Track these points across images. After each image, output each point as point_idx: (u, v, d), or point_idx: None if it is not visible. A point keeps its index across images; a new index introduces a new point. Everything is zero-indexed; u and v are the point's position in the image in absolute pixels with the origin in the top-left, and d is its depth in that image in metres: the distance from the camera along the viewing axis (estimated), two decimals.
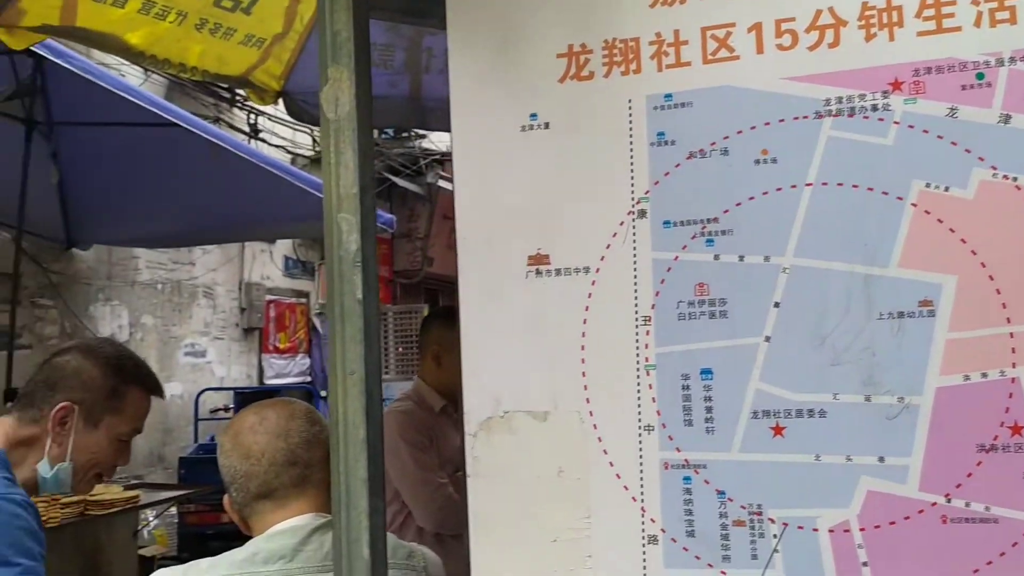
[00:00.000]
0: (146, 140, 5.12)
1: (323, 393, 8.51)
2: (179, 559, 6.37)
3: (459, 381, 2.62)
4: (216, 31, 2.86)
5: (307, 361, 9.30)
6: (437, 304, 12.10)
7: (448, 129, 3.35)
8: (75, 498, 4.35)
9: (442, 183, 11.04)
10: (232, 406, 7.75)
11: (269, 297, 8.72)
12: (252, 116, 8.33)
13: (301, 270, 9.38)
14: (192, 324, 7.76)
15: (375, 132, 10.35)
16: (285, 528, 1.32)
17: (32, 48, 4.15)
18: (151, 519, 6.32)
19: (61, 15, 2.50)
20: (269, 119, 8.53)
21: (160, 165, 5.40)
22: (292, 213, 5.76)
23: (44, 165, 5.53)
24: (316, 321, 9.39)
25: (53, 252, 6.34)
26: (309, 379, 9.20)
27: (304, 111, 3.35)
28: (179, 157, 5.25)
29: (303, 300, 9.39)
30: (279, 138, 8.70)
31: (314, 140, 9.47)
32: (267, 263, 8.81)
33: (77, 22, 2.54)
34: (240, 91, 8.07)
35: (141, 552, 5.59)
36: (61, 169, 5.49)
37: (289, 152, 8.95)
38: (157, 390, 1.77)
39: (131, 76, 6.23)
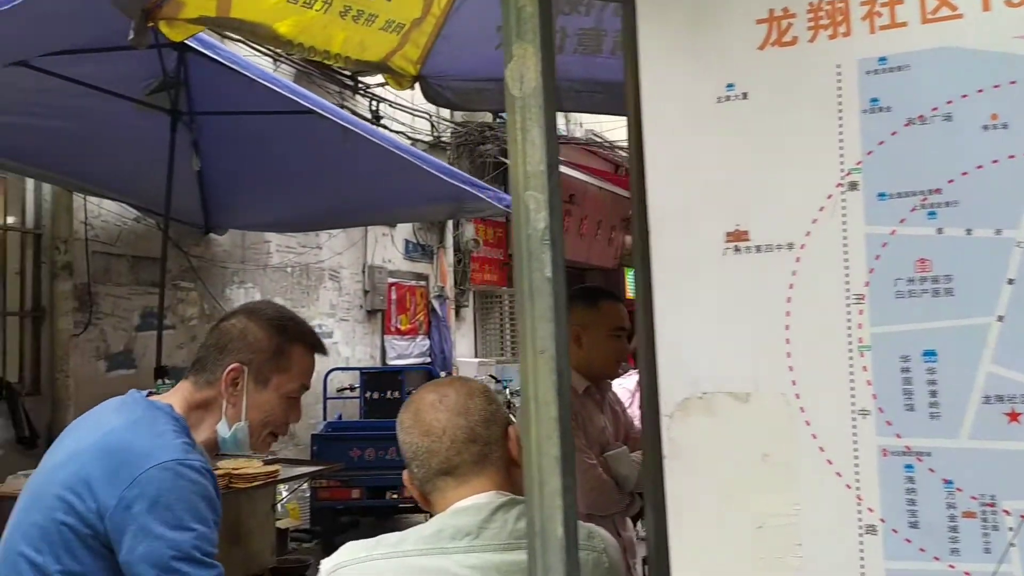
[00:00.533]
0: (280, 127, 5.29)
1: (443, 374, 8.65)
2: (311, 532, 6.62)
3: (601, 362, 2.61)
4: (359, 18, 2.91)
5: (426, 342, 9.47)
6: None
7: (582, 109, 3.31)
8: (220, 471, 4.56)
9: (560, 167, 11.01)
10: (358, 385, 7.98)
11: (391, 280, 8.91)
12: (374, 103, 8.51)
13: (420, 253, 9.54)
14: (319, 306, 8.01)
15: (491, 116, 10.43)
16: (469, 505, 1.32)
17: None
18: (284, 493, 6.59)
19: (217, 6, 2.58)
20: (390, 106, 8.69)
21: (292, 152, 5.58)
22: (419, 196, 5.86)
23: (186, 154, 5.81)
24: (435, 303, 9.55)
25: (193, 237, 6.65)
26: (429, 360, 9.38)
27: (440, 94, 3.38)
28: (311, 143, 5.41)
29: (422, 283, 9.56)
30: (399, 123, 8.85)
31: (432, 126, 9.59)
32: (388, 246, 9.00)
33: (231, 13, 2.62)
34: (362, 79, 8.25)
35: (276, 524, 5.85)
36: (201, 157, 5.74)
37: (408, 138, 9.09)
38: (319, 347, 1.81)
39: (262, 66, 6.44)
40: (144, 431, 1.57)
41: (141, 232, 6.27)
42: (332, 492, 6.24)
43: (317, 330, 6.88)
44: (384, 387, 7.43)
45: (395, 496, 6.47)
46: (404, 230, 9.28)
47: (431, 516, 1.42)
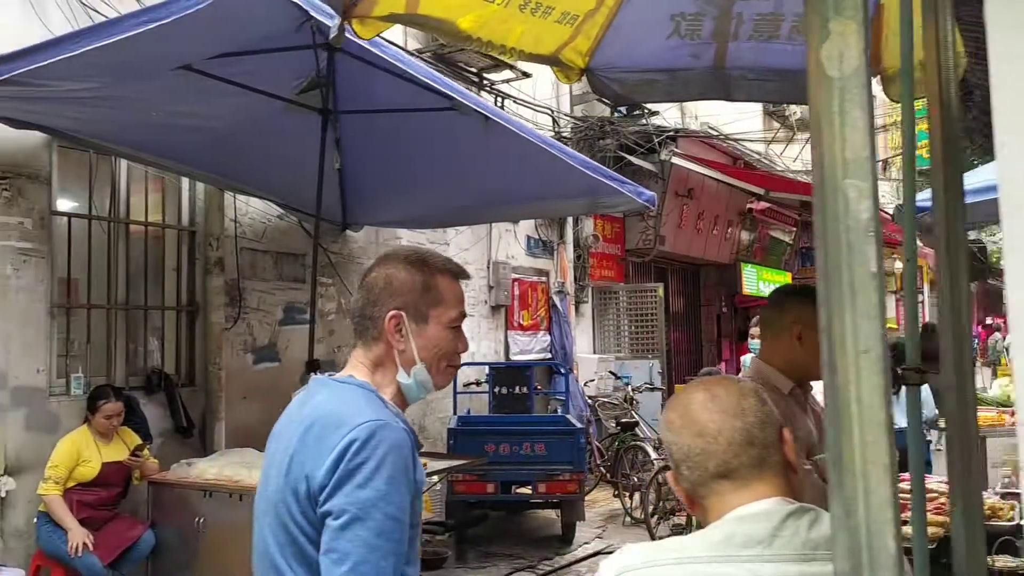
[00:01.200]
0: (420, 124, 5.34)
1: (561, 370, 8.62)
2: (443, 524, 6.69)
3: (818, 363, 2.52)
4: (536, 10, 2.89)
5: (547, 338, 9.46)
6: (666, 283, 11.91)
7: (752, 98, 3.17)
8: None
9: (676, 160, 10.84)
10: (484, 380, 8.03)
11: (514, 276, 8.94)
12: (498, 99, 8.54)
13: (541, 249, 9.54)
14: None
15: (610, 110, 10.33)
16: (757, 512, 1.27)
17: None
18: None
19: (406, 3, 2.60)
20: (514, 101, 8.71)
21: (431, 148, 5.63)
22: (556, 191, 5.83)
23: (328, 152, 5.95)
24: (556, 299, 9.53)
25: (332, 234, 6.82)
26: (550, 356, 9.37)
27: (607, 87, 3.33)
28: (450, 139, 5.45)
29: (543, 279, 9.56)
30: (521, 119, 8.84)
31: (554, 121, 9.57)
32: (511, 243, 9.03)
33: (419, 9, 2.65)
34: (487, 75, 8.28)
35: None
36: (342, 155, 5.87)
37: None
38: (462, 273, 1.78)
39: None
40: (338, 402, 1.58)
41: (284, 229, 6.46)
42: (468, 486, 6.30)
43: None
44: (512, 382, 7.46)
45: (529, 490, 6.49)
46: (526, 226, 9.29)
47: (695, 520, 1.37)
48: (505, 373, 7.51)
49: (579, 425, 6.80)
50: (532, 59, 3.15)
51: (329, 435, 1.51)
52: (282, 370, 6.35)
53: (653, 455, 7.53)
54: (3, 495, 4.61)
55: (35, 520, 4.59)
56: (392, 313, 1.63)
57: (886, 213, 13.95)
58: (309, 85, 5.15)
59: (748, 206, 13.38)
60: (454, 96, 4.40)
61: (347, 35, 2.64)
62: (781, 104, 15.79)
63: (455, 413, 7.57)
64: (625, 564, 1.28)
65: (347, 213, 6.59)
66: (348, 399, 1.58)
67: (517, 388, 7.43)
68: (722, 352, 13.85)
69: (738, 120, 12.24)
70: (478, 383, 8.06)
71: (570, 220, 9.84)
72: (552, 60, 3.20)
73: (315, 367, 5.14)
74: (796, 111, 17.33)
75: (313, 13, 3.43)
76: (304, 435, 1.55)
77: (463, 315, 1.74)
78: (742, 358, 6.33)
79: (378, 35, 2.81)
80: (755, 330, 5.94)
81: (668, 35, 3.14)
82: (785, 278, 15.71)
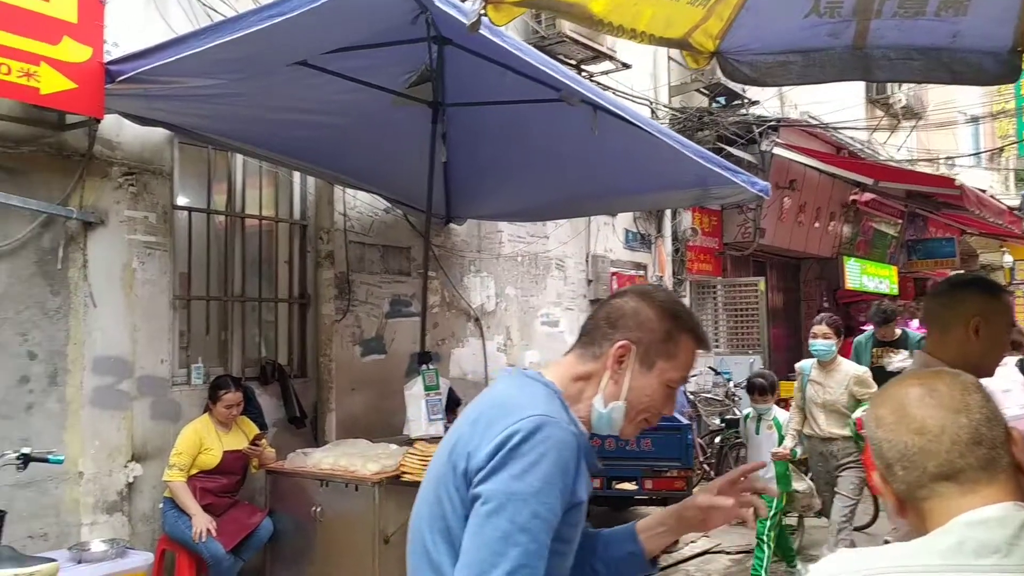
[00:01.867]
0: (527, 116, 5.31)
1: None
2: None
3: (993, 356, 2.38)
4: None
5: None
6: (765, 277, 11.59)
7: (895, 78, 3.01)
8: None
9: (777, 150, 10.54)
10: None
11: (612, 269, 8.84)
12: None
13: (639, 242, 9.40)
14: (547, 295, 8.06)
15: (707, 101, 10.10)
16: (989, 517, 1.16)
17: (439, 33, 4.46)
18: None
19: None
20: (613, 93, 8.59)
21: (537, 140, 5.59)
22: (665, 181, 5.71)
23: (436, 146, 5.97)
24: None
25: (435, 227, 6.84)
26: None
27: (737, 70, 3.22)
28: (557, 130, 5.40)
29: (641, 272, 9.42)
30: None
31: (652, 111, 9.41)
32: (609, 236, 8.93)
33: None
34: (585, 66, 8.19)
35: None
36: (448, 149, 5.88)
37: None
38: (705, 343, 1.71)
39: None
40: (515, 393, 1.55)
41: (390, 223, 6.52)
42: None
43: (545, 319, 6.92)
44: None
45: (633, 486, 6.39)
46: (624, 219, 9.18)
47: (910, 526, 1.26)
48: None
49: (686, 422, 6.66)
50: (662, 43, 3.07)
51: (498, 421, 1.47)
52: (388, 362, 6.42)
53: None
54: (131, 481, 4.77)
55: (160, 506, 4.75)
56: (623, 343, 1.60)
57: (1000, 203, 13.26)
58: (419, 78, 5.17)
59: (852, 198, 12.92)
60: (568, 83, 4.31)
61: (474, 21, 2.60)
62: (930, 83, 15.15)
63: None
64: (834, 572, 1.19)
65: (451, 207, 6.61)
66: (528, 392, 1.55)
67: None
68: None
69: (840, 110, 11.84)
70: None
71: (668, 213, 9.67)
72: (682, 43, 3.10)
73: (427, 359, 5.18)
74: (901, 98, 16.64)
75: (437, 2, 3.41)
76: (476, 418, 1.53)
77: (684, 380, 1.69)
78: (797, 365, 5.96)
79: (511, 21, 2.77)
80: (818, 328, 5.61)
81: (806, 14, 3.01)
82: (891, 272, 15.13)
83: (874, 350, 7.01)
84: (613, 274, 8.84)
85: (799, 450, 5.69)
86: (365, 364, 6.25)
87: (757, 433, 5.84)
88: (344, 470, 4.57)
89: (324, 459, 4.71)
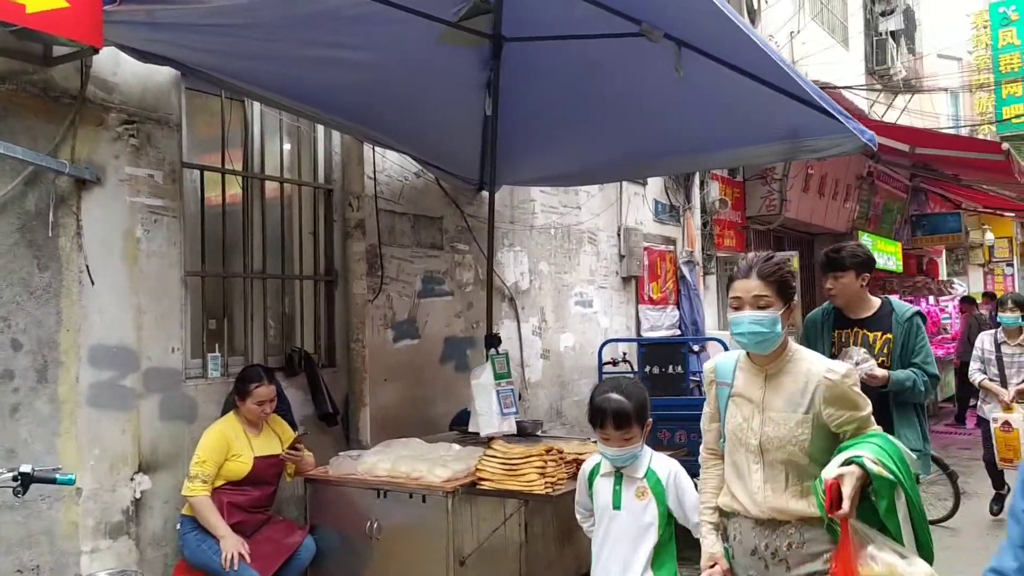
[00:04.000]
0: (594, 56, 4.55)
1: (695, 348, 7.76)
2: None
3: None
4: None
5: (676, 313, 8.61)
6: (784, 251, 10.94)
7: None
8: (569, 455, 3.85)
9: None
10: (620, 359, 7.24)
11: (644, 244, 8.10)
12: None
13: (669, 214, 8.67)
14: (580, 272, 7.30)
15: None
16: None
17: None
18: None
19: None
20: None
21: (603, 85, 4.81)
22: (750, 133, 4.95)
23: (476, 96, 5.17)
24: (684, 269, 8.66)
25: (467, 194, 6.05)
26: (679, 331, 8.52)
27: None
28: (625, 76, 4.64)
29: (671, 248, 8.70)
30: None
31: None
32: (640, 207, 8.19)
33: None
34: None
35: None
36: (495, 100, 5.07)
37: None
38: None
39: None
40: None
41: (421, 188, 5.70)
42: None
43: (579, 299, 6.10)
44: (665, 361, 6.64)
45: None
46: (654, 188, 8.44)
47: None
48: (657, 351, 6.68)
49: None
50: None
51: None
52: (421, 348, 5.60)
53: None
54: (138, 496, 3.92)
55: (178, 526, 3.90)
56: None
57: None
58: (471, 11, 4.36)
59: (867, 169, 12.35)
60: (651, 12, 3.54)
61: None
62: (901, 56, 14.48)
63: None
64: None
65: (486, 169, 5.80)
66: None
67: (671, 367, 6.60)
68: None
69: (841, 79, 11.24)
70: (614, 363, 7.25)
71: (697, 181, 8.96)
72: None
73: (495, 342, 4.39)
74: (902, 69, 16.15)
75: None
76: None
77: None
78: (707, 365, 4.84)
79: None
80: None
81: None
82: (896, 248, 14.64)
83: (837, 332, 4.17)
84: (644, 249, 8.10)
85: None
86: (397, 351, 5.42)
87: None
88: (406, 477, 3.77)
89: (378, 464, 3.90)
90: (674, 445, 5.55)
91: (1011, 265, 28.15)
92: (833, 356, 3.90)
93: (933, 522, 6.88)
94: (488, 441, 3.95)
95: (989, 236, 22.66)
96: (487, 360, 4.30)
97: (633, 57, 4.45)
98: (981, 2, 25.68)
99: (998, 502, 7.21)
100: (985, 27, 24.44)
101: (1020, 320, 6.93)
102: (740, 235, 10.26)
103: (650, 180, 8.30)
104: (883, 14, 16.20)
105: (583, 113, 5.08)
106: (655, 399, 6.44)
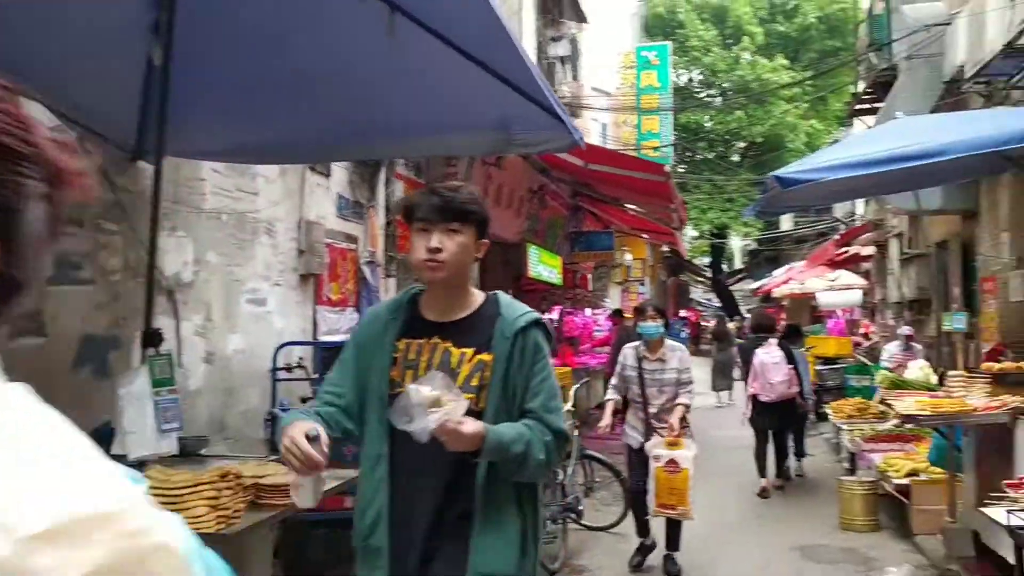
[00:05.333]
0: (289, 10, 3.94)
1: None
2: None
3: None
4: None
5: (355, 316, 8.05)
6: None
7: None
8: (230, 478, 3.15)
9: None
10: (296, 364, 6.53)
11: (327, 240, 7.46)
12: None
13: (352, 211, 8.10)
14: (255, 265, 6.46)
15: None
16: None
17: None
18: None
19: None
20: None
21: (298, 50, 4.16)
22: (460, 119, 4.56)
23: (139, 40, 4.24)
24: (366, 271, 8.14)
25: (119, 163, 4.98)
26: None
27: None
28: (334, 33, 4.05)
29: (353, 246, 8.13)
30: None
31: None
32: (322, 200, 7.52)
33: None
34: None
35: None
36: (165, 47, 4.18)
37: None
38: None
39: None
40: None
41: None
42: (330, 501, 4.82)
43: (251, 296, 5.34)
44: None
45: None
46: (339, 181, 7.81)
47: None
48: (336, 355, 6.05)
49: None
50: None
51: None
52: (48, 349, 4.46)
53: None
54: None
55: None
56: None
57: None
58: None
59: (540, 183, 12.79)
60: None
61: None
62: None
63: (274, 406, 5.98)
64: None
65: (146, 134, 4.82)
66: None
67: None
68: None
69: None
70: (289, 368, 6.51)
71: (383, 179, 8.50)
72: None
73: (156, 340, 3.49)
74: (568, 93, 17.16)
75: None
76: None
77: None
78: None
79: None
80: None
81: None
82: (558, 262, 15.40)
83: (404, 343, 2.45)
84: (326, 245, 7.46)
85: None
86: (13, 352, 4.23)
87: None
88: None
89: None
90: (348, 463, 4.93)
91: (643, 284, 31.55)
92: (391, 398, 2.40)
93: (602, 528, 7.04)
94: (140, 466, 3.09)
95: (628, 257, 25.07)
96: (144, 363, 3.42)
97: (338, 16, 3.89)
98: (628, 44, 28.49)
99: (642, 553, 6.30)
100: (631, 67, 27.14)
101: (661, 329, 6.13)
102: None
103: (334, 172, 7.68)
104: (553, 39, 17.11)
105: (277, 76, 4.36)
106: None
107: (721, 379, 18.33)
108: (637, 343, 6.32)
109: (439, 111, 4.51)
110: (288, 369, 6.47)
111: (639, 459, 6.18)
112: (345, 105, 4.50)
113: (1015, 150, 8.26)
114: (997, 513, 3.38)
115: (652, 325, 6.12)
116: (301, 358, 6.68)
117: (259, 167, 6.34)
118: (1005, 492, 3.74)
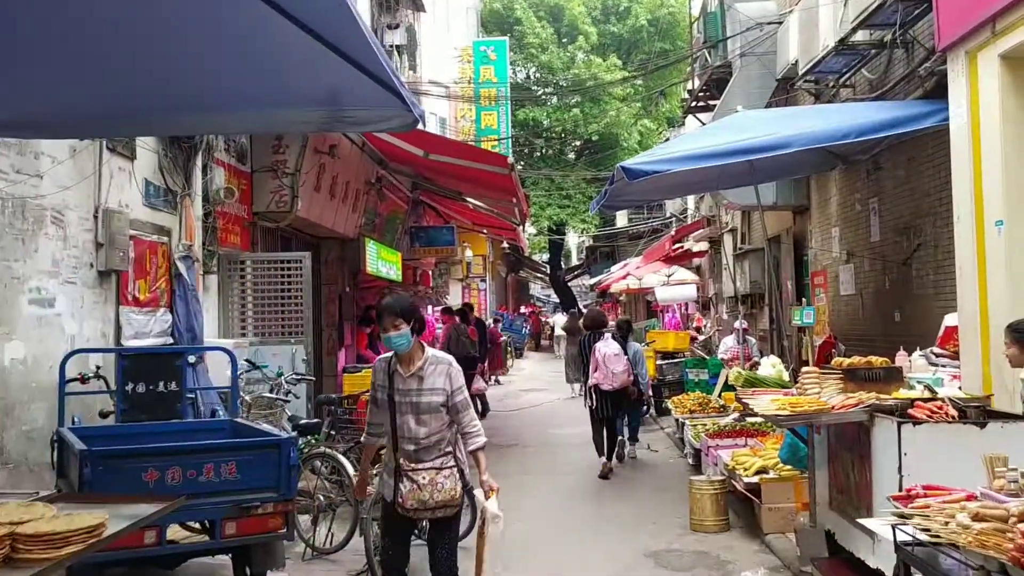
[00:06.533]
0: None
1: (191, 359, 6.51)
2: None
3: None
4: None
5: (169, 317, 7.16)
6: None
7: None
8: None
9: None
10: (93, 375, 5.67)
11: (131, 232, 6.55)
12: None
13: (163, 199, 7.19)
14: (38, 261, 5.51)
15: None
16: None
17: None
18: None
19: None
20: None
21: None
22: (280, 93, 3.91)
23: None
24: (181, 266, 7.26)
25: None
26: (172, 340, 7.09)
27: None
28: None
29: (165, 239, 7.22)
30: None
31: None
32: (126, 186, 6.60)
33: None
34: None
35: None
36: None
37: None
38: None
39: None
40: None
41: None
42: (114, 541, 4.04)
43: (36, 295, 4.48)
44: (154, 376, 5.25)
45: (202, 537, 4.42)
46: (146, 165, 6.89)
47: None
48: (145, 363, 5.27)
49: (284, 434, 4.89)
50: None
51: None
52: None
53: (351, 468, 5.91)
54: None
55: None
56: None
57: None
58: None
59: (377, 175, 12.15)
60: None
61: None
62: None
63: (62, 424, 5.09)
64: None
65: None
66: None
67: (163, 384, 5.25)
68: (343, 337, 12.40)
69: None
70: (84, 379, 5.62)
71: (199, 164, 7.62)
72: None
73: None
74: (405, 84, 16.57)
75: None
76: None
77: None
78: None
79: None
80: None
81: None
82: (397, 258, 14.80)
83: None
84: (131, 238, 6.55)
85: None
86: None
87: None
88: None
89: None
90: (165, 490, 4.19)
91: (484, 280, 31.37)
92: None
93: None
94: None
95: (469, 253, 24.77)
96: None
97: None
98: (466, 38, 28.17)
99: None
100: (469, 62, 26.83)
101: (409, 338, 4.15)
102: (246, 232, 9.13)
103: (141, 154, 6.78)
104: (389, 27, 16.45)
105: (67, 28, 3.55)
106: (149, 426, 5.12)
107: (574, 371, 18.37)
108: (390, 354, 4.30)
109: (260, 82, 3.85)
110: (82, 380, 5.58)
111: (394, 521, 4.26)
112: (151, 68, 3.74)
113: (842, 146, 8.47)
114: (880, 526, 3.16)
115: (396, 335, 4.15)
116: (99, 367, 5.79)
117: (43, 143, 5.41)
118: (863, 498, 3.56)
